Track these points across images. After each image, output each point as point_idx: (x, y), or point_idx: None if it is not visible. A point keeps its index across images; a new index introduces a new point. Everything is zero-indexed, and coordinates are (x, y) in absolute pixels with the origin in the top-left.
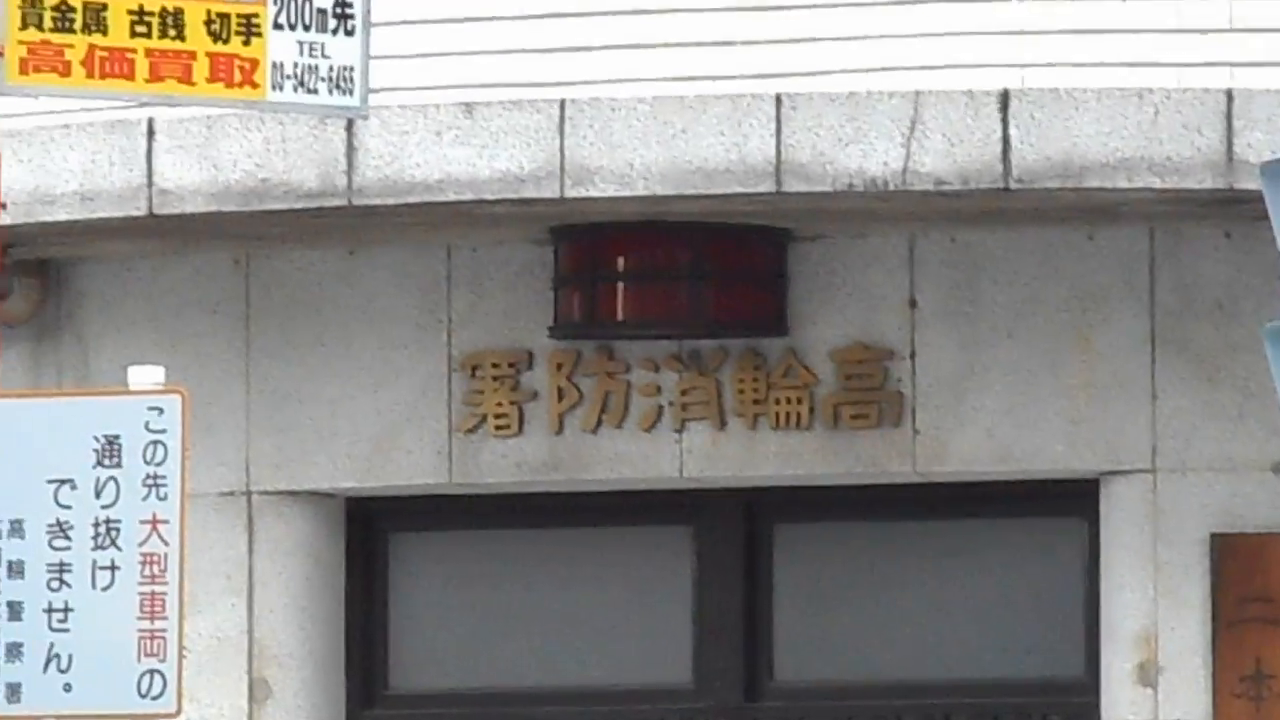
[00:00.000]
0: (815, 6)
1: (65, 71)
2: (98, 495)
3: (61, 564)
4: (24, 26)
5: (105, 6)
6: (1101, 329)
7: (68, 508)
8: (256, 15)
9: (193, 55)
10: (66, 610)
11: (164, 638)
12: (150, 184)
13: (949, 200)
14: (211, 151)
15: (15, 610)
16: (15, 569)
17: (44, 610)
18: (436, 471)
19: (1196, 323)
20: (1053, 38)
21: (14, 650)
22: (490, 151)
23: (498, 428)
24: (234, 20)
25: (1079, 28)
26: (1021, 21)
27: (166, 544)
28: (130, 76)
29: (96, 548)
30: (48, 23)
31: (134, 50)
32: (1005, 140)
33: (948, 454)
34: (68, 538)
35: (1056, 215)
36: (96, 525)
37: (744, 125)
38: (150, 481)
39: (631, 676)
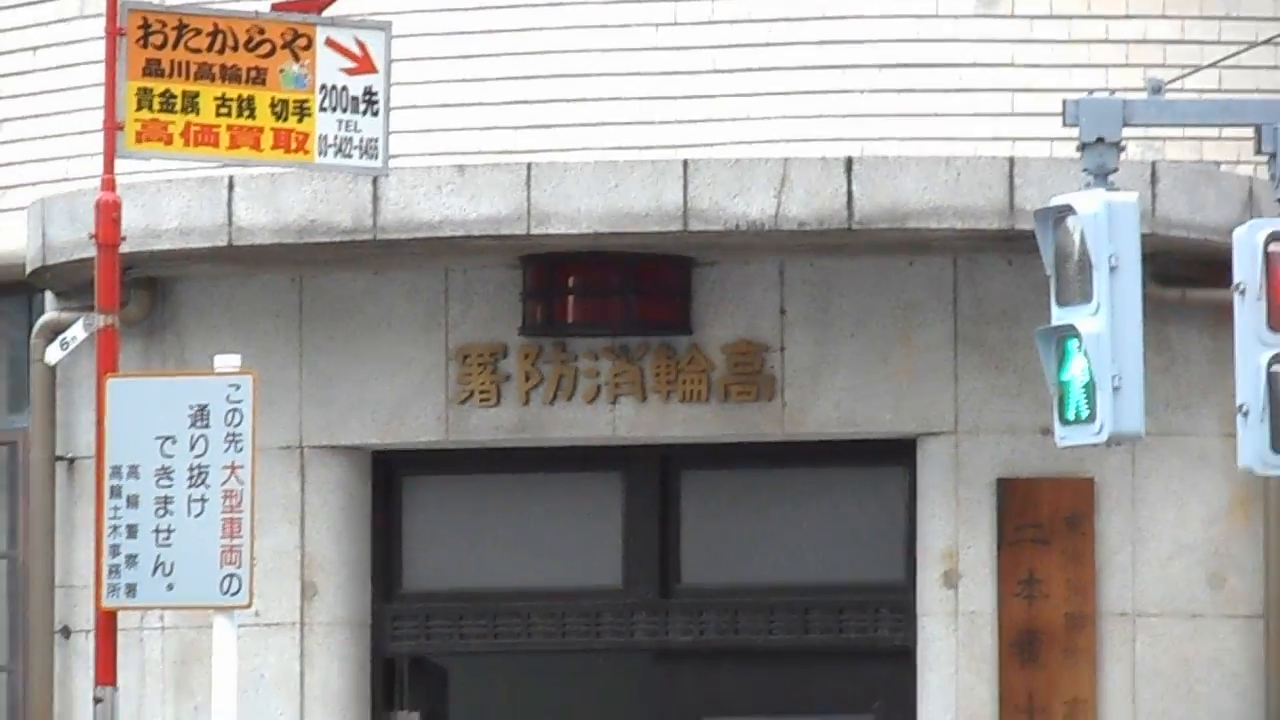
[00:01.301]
0: (712, 97)
1: (168, 141)
2: (192, 448)
3: (166, 498)
4: (139, 108)
5: (198, 94)
6: (918, 331)
7: (170, 457)
8: (307, 101)
9: (261, 130)
10: (169, 531)
11: (240, 551)
12: (230, 223)
13: (808, 237)
14: (275, 200)
15: (132, 531)
16: (132, 501)
17: (153, 531)
18: (437, 432)
19: (988, 326)
20: (884, 119)
21: (131, 560)
22: (476, 200)
23: (482, 400)
24: (291, 105)
25: (903, 112)
26: (861, 108)
27: (241, 484)
28: (216, 145)
29: (191, 486)
30: (156, 105)
31: (219, 126)
32: (849, 194)
33: (807, 420)
34: (170, 479)
35: (886, 248)
36: (191, 470)
37: (660, 182)
38: (230, 438)
39: (577, 579)
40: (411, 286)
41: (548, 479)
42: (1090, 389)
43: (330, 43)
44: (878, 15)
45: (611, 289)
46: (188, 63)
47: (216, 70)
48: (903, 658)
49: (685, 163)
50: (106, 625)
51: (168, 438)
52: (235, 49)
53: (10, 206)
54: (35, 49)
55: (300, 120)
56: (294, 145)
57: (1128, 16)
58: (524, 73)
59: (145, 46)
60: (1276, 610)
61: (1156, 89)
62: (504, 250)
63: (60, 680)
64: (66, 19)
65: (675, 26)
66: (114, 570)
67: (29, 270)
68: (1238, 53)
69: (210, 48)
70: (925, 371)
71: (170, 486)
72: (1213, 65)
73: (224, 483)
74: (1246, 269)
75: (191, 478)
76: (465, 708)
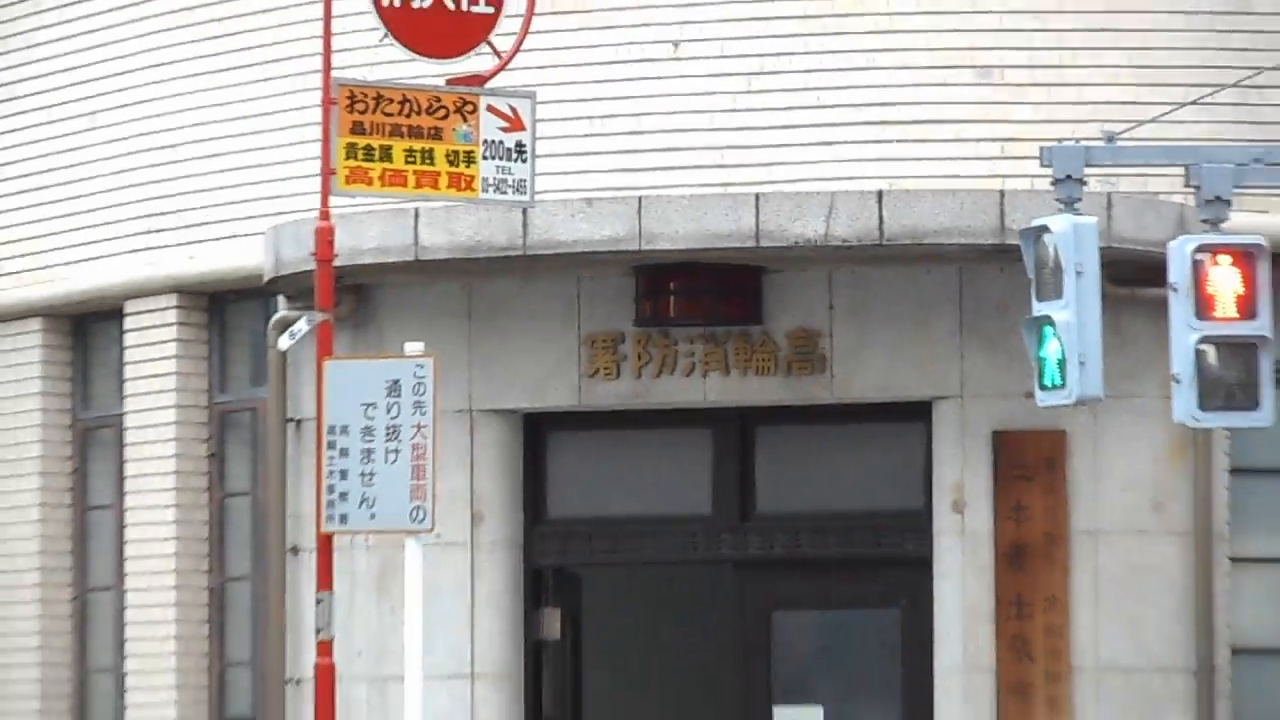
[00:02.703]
0: (776, 146)
1: (369, 182)
2: (388, 412)
3: (368, 450)
4: (347, 158)
5: (391, 147)
6: (934, 322)
7: (371, 419)
8: (473, 152)
9: (439, 173)
10: (372, 474)
11: (425, 489)
12: (416, 244)
13: (849, 251)
14: (450, 225)
15: (343, 474)
16: (343, 452)
17: (359, 474)
18: (572, 399)
19: (985, 317)
20: (906, 162)
21: (343, 496)
22: (600, 225)
23: (605, 375)
24: (461, 154)
25: (921, 157)
26: (889, 154)
27: (425, 439)
28: (404, 185)
29: (387, 440)
30: (360, 156)
31: (407, 171)
32: (880, 218)
33: (850, 388)
34: (371, 436)
35: (908, 259)
36: (387, 429)
37: (738, 211)
38: (416, 405)
39: (678, 508)
40: (551, 290)
41: (655, 434)
42: (1062, 363)
43: (490, 108)
44: (903, 84)
45: (702, 291)
46: (383, 124)
47: (405, 129)
48: (922, 566)
49: (757, 196)
50: (325, 545)
51: (370, 404)
52: (419, 113)
53: (252, 232)
54: (270, 114)
55: (468, 166)
56: (463, 185)
57: (1091, 84)
58: (636, 129)
59: (351, 112)
60: (1203, 528)
61: (1110, 139)
62: (621, 263)
63: (290, 587)
64: (293, 91)
65: (749, 94)
66: (330, 504)
67: (266, 280)
68: (1171, 111)
69: (400, 113)
70: (938, 351)
71: (372, 441)
72: (1154, 120)
73: (412, 438)
74: (1179, 272)
75: (388, 435)
76: (594, 605)
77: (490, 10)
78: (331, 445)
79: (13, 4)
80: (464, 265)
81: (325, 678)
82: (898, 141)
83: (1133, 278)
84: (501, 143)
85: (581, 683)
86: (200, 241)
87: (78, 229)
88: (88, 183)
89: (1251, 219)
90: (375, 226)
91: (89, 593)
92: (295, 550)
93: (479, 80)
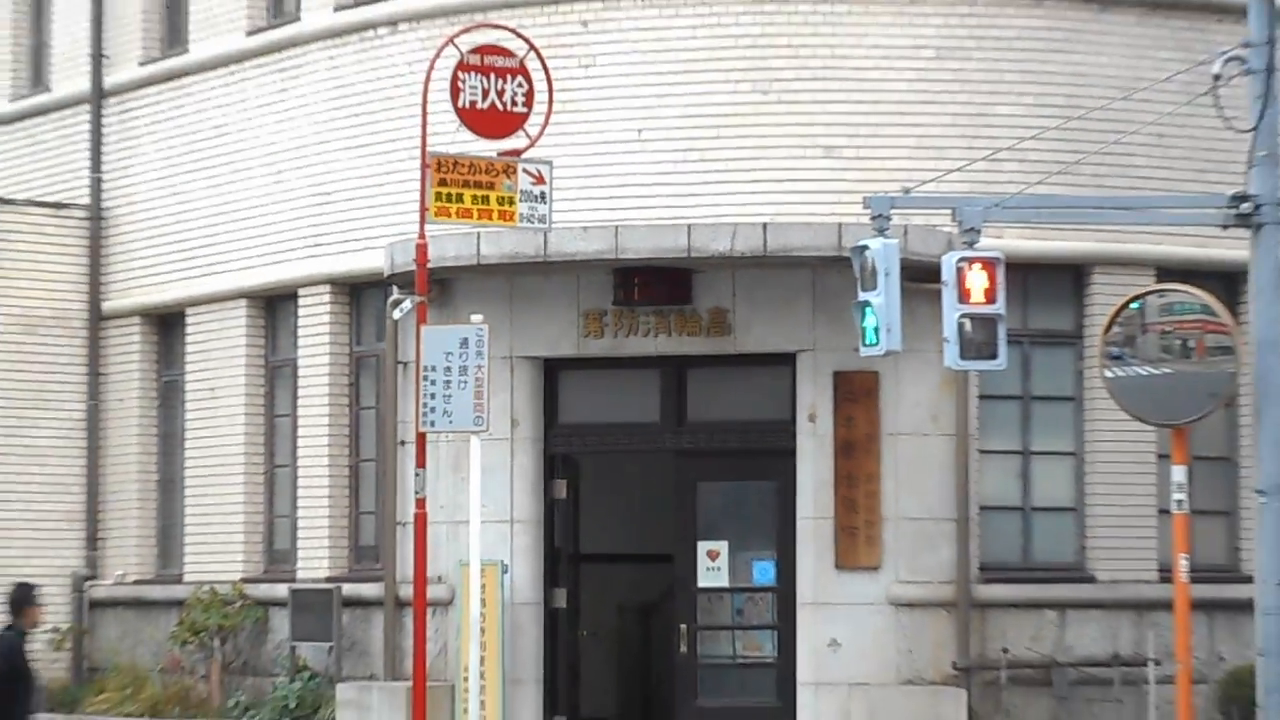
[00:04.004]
0: (700, 195)
1: (449, 215)
2: (460, 358)
3: (448, 380)
4: (436, 200)
5: (463, 194)
6: (799, 303)
7: (450, 362)
8: (514, 197)
9: (492, 210)
10: (449, 396)
11: (483, 404)
12: (478, 254)
13: (746, 260)
14: (498, 243)
15: (432, 395)
16: (433, 382)
17: (442, 396)
18: (574, 350)
19: (830, 300)
20: (782, 205)
21: (432, 409)
22: (591, 243)
23: (595, 335)
24: (506, 199)
25: (791, 203)
26: (772, 200)
27: (483, 374)
28: (471, 218)
29: (459, 376)
30: (444, 199)
31: (473, 209)
32: (765, 240)
33: (746, 344)
34: (450, 372)
35: (782, 265)
36: (460, 369)
37: (677, 235)
38: (477, 353)
39: (639, 417)
40: (561, 283)
41: (625, 372)
42: (877, 330)
43: (525, 170)
44: (780, 157)
45: (656, 283)
46: (458, 179)
47: (471, 183)
48: (789, 455)
49: (689, 225)
50: (420, 440)
51: (449, 353)
52: (480, 173)
53: (377, 247)
54: (388, 172)
55: (510, 206)
56: (507, 218)
57: (895, 158)
58: (614, 184)
59: (439, 172)
60: (962, 432)
61: (907, 192)
62: (605, 267)
63: (399, 466)
64: (403, 159)
65: (685, 162)
66: (424, 414)
67: (385, 276)
68: (944, 175)
69: (468, 173)
70: (800, 322)
71: (450, 376)
72: (933, 180)
73: (475, 375)
74: (948, 274)
75: (460, 371)
76: (587, 478)
77: (525, 110)
78: (425, 378)
79: (224, 107)
80: (508, 268)
81: (420, 522)
82: (777, 193)
83: (920, 277)
84: (531, 191)
85: (579, 527)
86: (345, 253)
87: (268, 243)
88: (274, 216)
89: (993, 240)
90: (452, 244)
91: (275, 468)
92: (403, 442)
93: (517, 153)
